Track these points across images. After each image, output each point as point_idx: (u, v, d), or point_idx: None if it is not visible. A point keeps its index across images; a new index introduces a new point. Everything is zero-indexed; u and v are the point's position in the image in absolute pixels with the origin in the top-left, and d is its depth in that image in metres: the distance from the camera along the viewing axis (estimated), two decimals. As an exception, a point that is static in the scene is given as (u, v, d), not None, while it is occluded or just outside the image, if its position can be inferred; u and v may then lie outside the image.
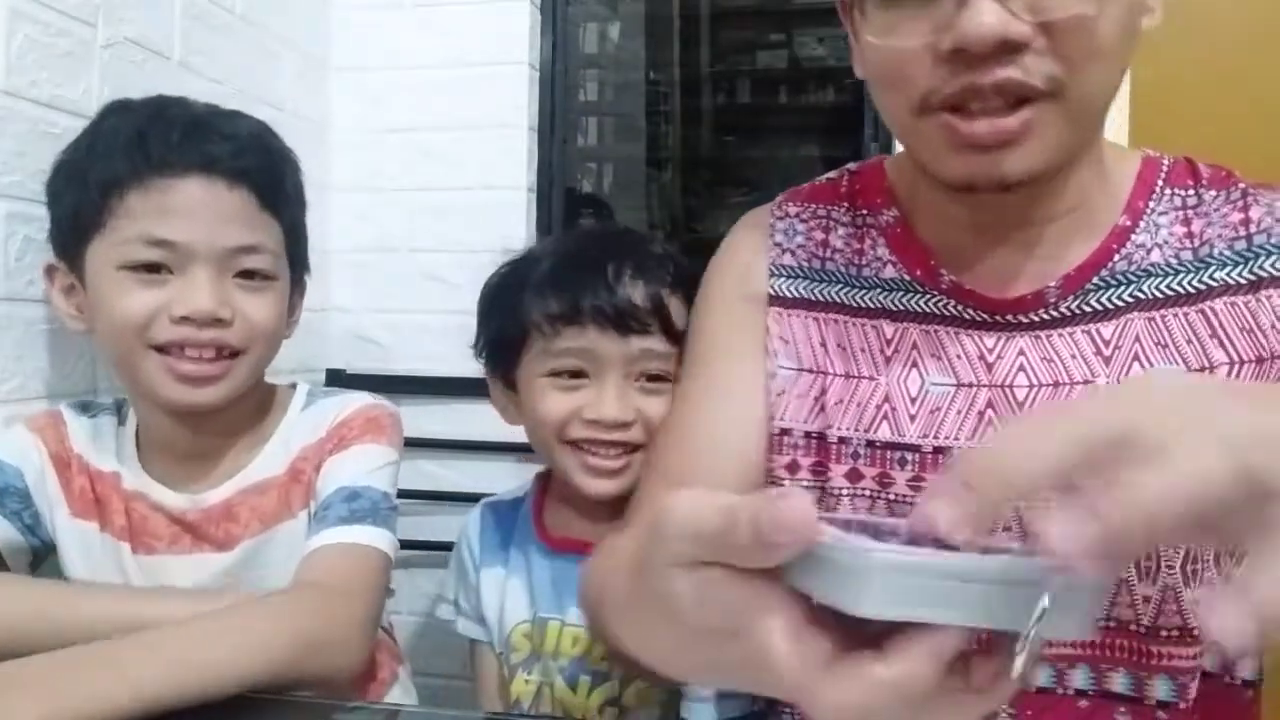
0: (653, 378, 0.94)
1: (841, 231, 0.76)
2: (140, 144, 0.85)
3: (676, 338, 0.92)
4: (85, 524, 0.90)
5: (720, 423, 0.75)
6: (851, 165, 0.81)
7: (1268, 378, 0.63)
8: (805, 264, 0.76)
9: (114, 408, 0.96)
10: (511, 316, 0.98)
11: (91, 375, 1.05)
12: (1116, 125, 1.37)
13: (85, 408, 0.95)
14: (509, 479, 1.21)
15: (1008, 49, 0.57)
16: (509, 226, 1.48)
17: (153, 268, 0.84)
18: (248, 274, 0.88)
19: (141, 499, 0.91)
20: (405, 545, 1.43)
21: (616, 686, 0.98)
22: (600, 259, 0.95)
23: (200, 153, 0.85)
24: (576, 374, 0.95)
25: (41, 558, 0.91)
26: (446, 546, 1.44)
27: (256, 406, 0.97)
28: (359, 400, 0.98)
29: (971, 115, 0.59)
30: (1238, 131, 1.35)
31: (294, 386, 1.02)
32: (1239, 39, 1.40)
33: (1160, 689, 0.64)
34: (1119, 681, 0.64)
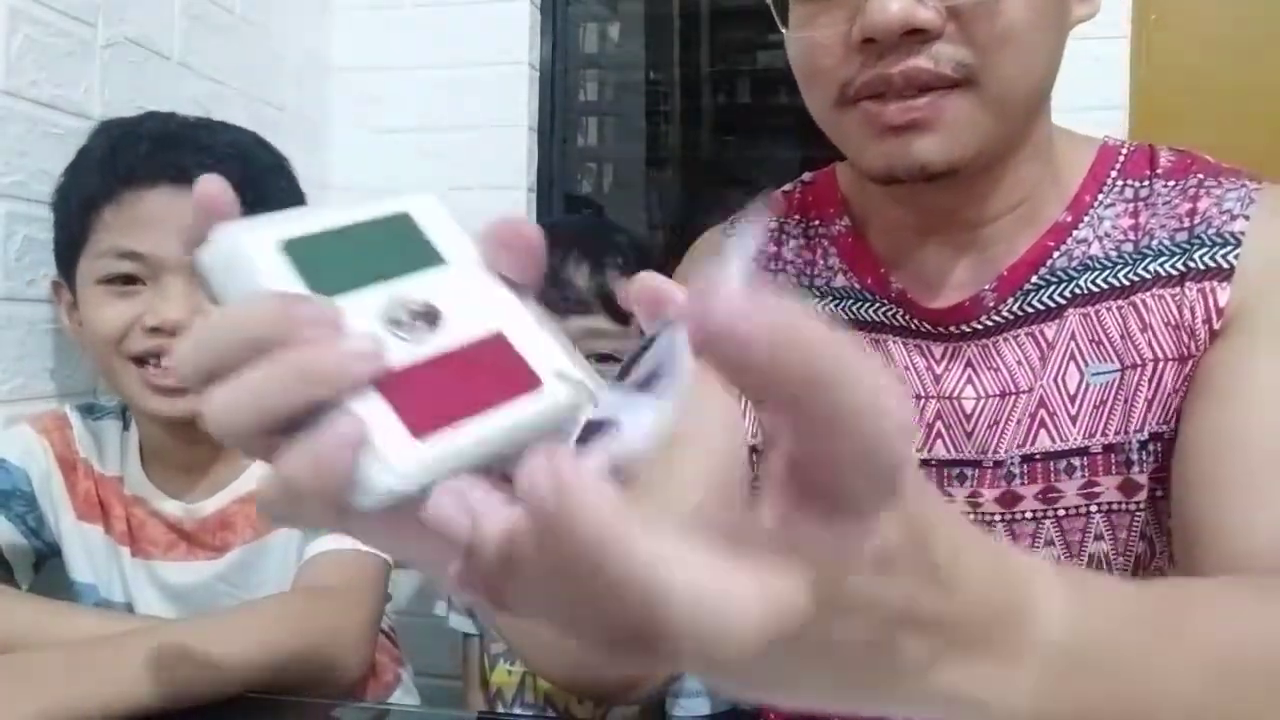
0: (603, 358, 0.95)
1: (793, 244, 0.75)
2: (111, 159, 0.86)
3: (623, 318, 0.94)
4: (89, 527, 0.90)
5: (692, 439, 0.72)
6: (805, 176, 0.79)
7: (1185, 378, 0.60)
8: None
9: (118, 411, 0.96)
10: None
11: (92, 375, 1.05)
12: (1116, 125, 1.37)
13: (90, 410, 0.95)
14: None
15: (916, 37, 0.56)
16: (509, 226, 1.48)
17: (127, 279, 0.84)
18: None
19: (141, 504, 0.91)
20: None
21: None
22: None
23: (170, 164, 0.84)
24: None
25: (44, 560, 0.91)
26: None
27: None
28: None
29: (884, 99, 0.58)
30: (1238, 132, 1.35)
31: None
32: (1239, 39, 1.40)
33: None
34: None
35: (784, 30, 0.64)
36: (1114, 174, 0.67)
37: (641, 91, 2.21)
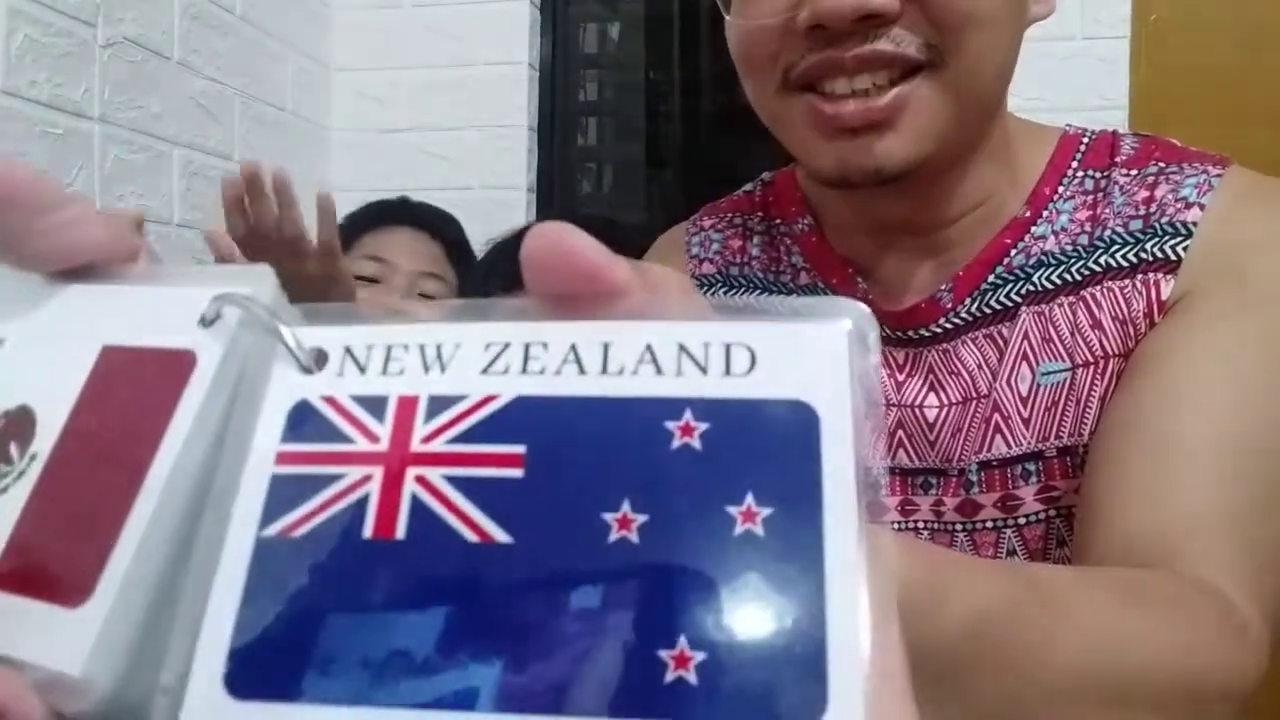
0: None
1: (757, 239, 0.72)
2: (377, 212, 1.25)
3: None
4: None
5: None
6: (765, 175, 0.76)
7: (1119, 373, 0.57)
8: (723, 270, 0.72)
9: None
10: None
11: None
12: (1117, 125, 1.37)
13: None
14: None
15: (870, 23, 0.51)
16: (509, 226, 1.48)
17: (370, 277, 1.16)
18: (427, 295, 1.19)
19: None
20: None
21: None
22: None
23: (411, 213, 1.25)
24: None
25: None
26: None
27: None
28: None
29: (839, 99, 0.53)
30: (1238, 131, 1.35)
31: None
32: (1239, 39, 1.40)
33: None
34: None
35: (726, 16, 0.59)
36: (1074, 165, 0.63)
37: (641, 91, 2.21)
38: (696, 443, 0.17)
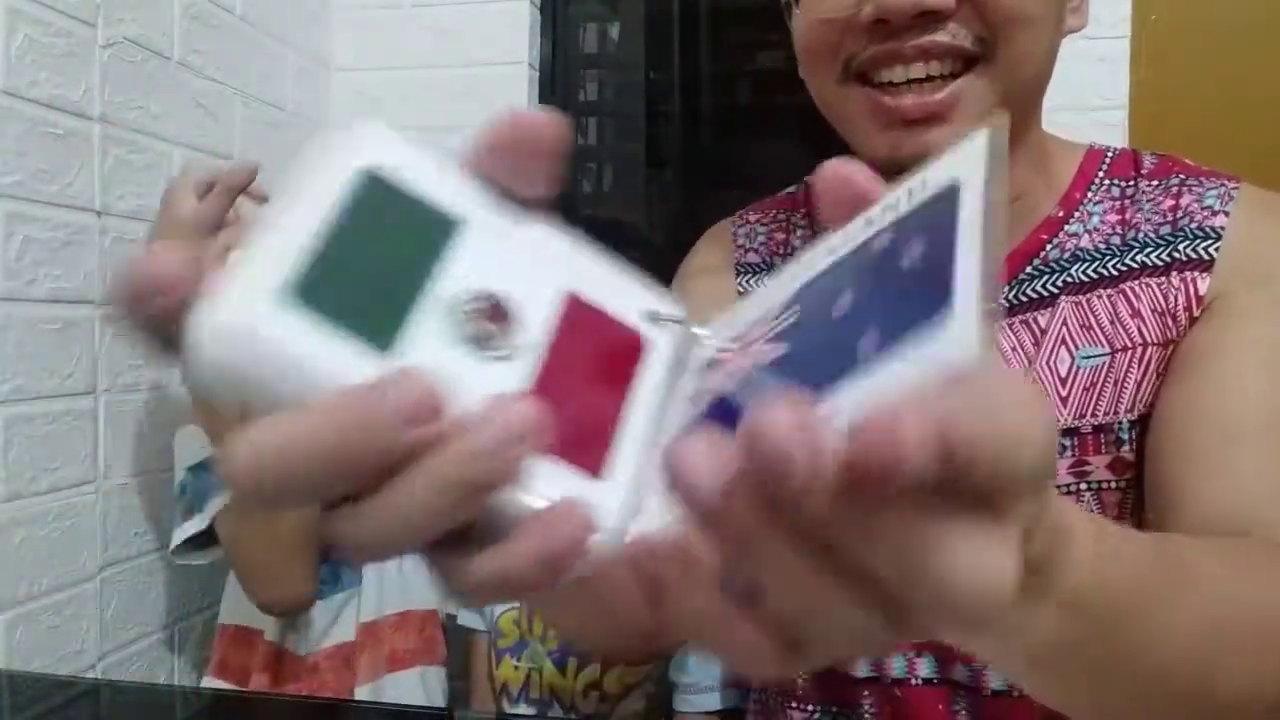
0: None
1: (800, 234, 0.77)
2: None
3: None
4: None
5: None
6: (808, 178, 0.80)
7: (1166, 361, 0.63)
8: (767, 260, 0.77)
9: None
10: None
11: (92, 375, 1.05)
12: (1117, 125, 1.37)
13: None
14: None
15: (928, 18, 0.57)
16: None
17: None
18: None
19: None
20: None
21: (597, 670, 1.00)
22: None
23: None
24: None
25: None
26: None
27: None
28: None
29: (898, 90, 0.59)
30: (1238, 133, 1.35)
31: None
32: (1239, 39, 1.40)
33: (995, 678, 0.65)
34: (960, 671, 0.65)
35: (795, 9, 0.65)
36: (1101, 174, 0.70)
37: (641, 91, 2.21)
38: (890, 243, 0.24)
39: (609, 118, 2.15)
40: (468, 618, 1.10)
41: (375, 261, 0.22)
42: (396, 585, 1.07)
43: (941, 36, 0.57)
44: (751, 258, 0.78)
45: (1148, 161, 0.70)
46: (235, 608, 1.07)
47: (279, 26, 1.41)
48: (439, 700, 1.06)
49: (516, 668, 1.02)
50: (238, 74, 1.30)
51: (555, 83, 1.59)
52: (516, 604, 1.04)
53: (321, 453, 0.20)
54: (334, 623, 1.05)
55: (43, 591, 1.00)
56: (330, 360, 0.20)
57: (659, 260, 1.03)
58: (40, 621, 0.99)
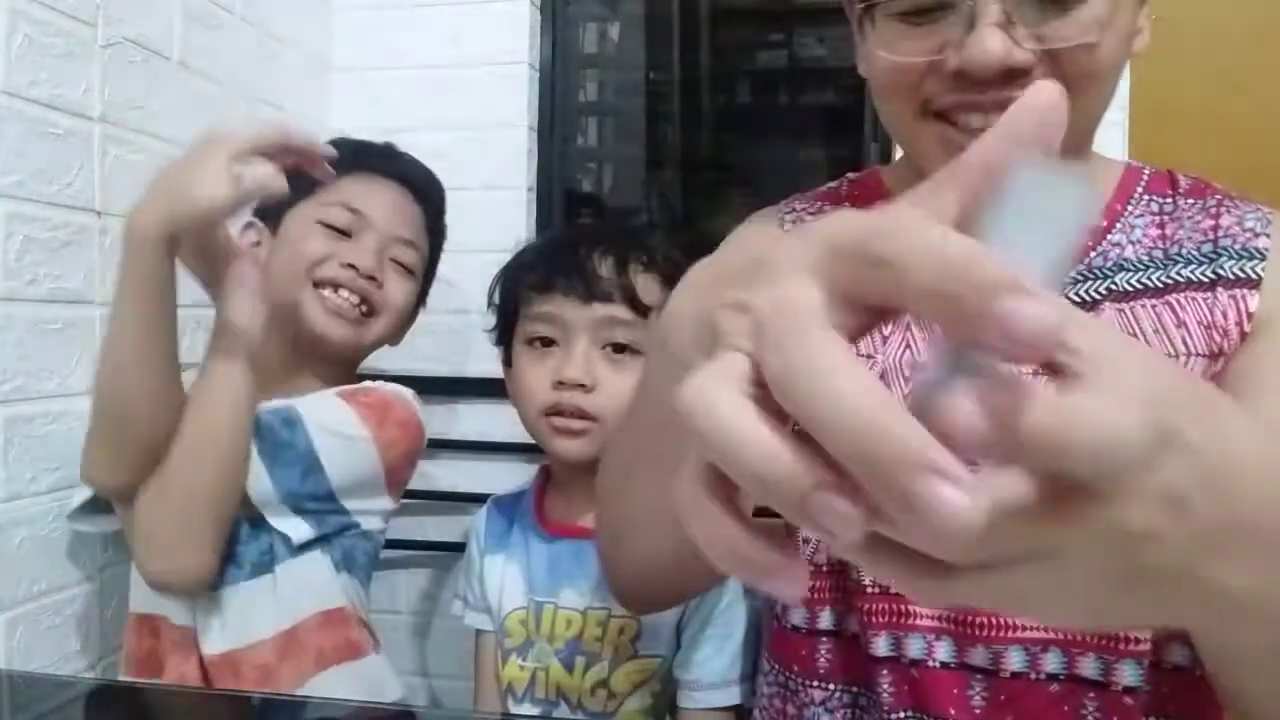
0: (619, 348, 0.99)
1: None
2: (359, 150, 1.10)
3: (643, 310, 0.98)
4: None
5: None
6: (850, 175, 0.83)
7: (1213, 375, 0.65)
8: None
9: None
10: (508, 295, 1.07)
11: (92, 375, 1.05)
12: (1115, 126, 1.37)
13: None
14: (510, 479, 1.21)
15: (1010, 75, 0.59)
16: (509, 226, 1.48)
17: (340, 227, 1.06)
18: (398, 261, 1.10)
19: None
20: (405, 545, 1.43)
21: (606, 669, 1.00)
22: (575, 239, 1.04)
23: (398, 168, 1.14)
24: (548, 341, 1.02)
25: None
26: (446, 546, 1.44)
27: (344, 374, 1.09)
28: (394, 387, 1.08)
29: (974, 132, 0.61)
30: (1238, 136, 1.35)
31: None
32: (1239, 43, 1.40)
33: (1127, 674, 0.64)
34: (1089, 666, 0.65)
35: (859, 37, 0.68)
36: (1140, 189, 0.73)
37: (641, 91, 2.21)
38: None
39: (609, 118, 2.15)
40: (474, 618, 1.10)
41: None
42: (310, 583, 0.99)
43: (1019, 94, 0.58)
44: None
45: (1184, 182, 0.73)
46: (142, 593, 0.98)
47: (279, 26, 1.41)
48: (384, 694, 1.03)
49: (523, 668, 1.02)
50: (238, 74, 1.30)
51: (555, 83, 1.59)
52: (524, 605, 1.03)
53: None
54: (250, 611, 0.96)
55: (43, 591, 1.00)
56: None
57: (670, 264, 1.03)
58: (40, 621, 0.99)
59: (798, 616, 0.76)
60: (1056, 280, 0.24)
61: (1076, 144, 0.64)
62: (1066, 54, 0.59)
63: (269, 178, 0.83)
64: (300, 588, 0.98)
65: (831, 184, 0.83)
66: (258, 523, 0.96)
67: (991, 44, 0.58)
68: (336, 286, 1.05)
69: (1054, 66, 0.59)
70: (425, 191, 1.15)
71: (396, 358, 1.55)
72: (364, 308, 1.06)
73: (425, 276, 1.16)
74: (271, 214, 1.07)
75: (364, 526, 1.04)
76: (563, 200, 1.63)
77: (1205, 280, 0.67)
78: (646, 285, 0.99)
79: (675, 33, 2.30)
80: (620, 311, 0.98)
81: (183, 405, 0.89)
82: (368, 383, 1.07)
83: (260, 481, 0.93)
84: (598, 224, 1.31)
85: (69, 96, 1.01)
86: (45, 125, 0.98)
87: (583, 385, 0.98)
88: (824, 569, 0.77)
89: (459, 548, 1.24)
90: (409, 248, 1.11)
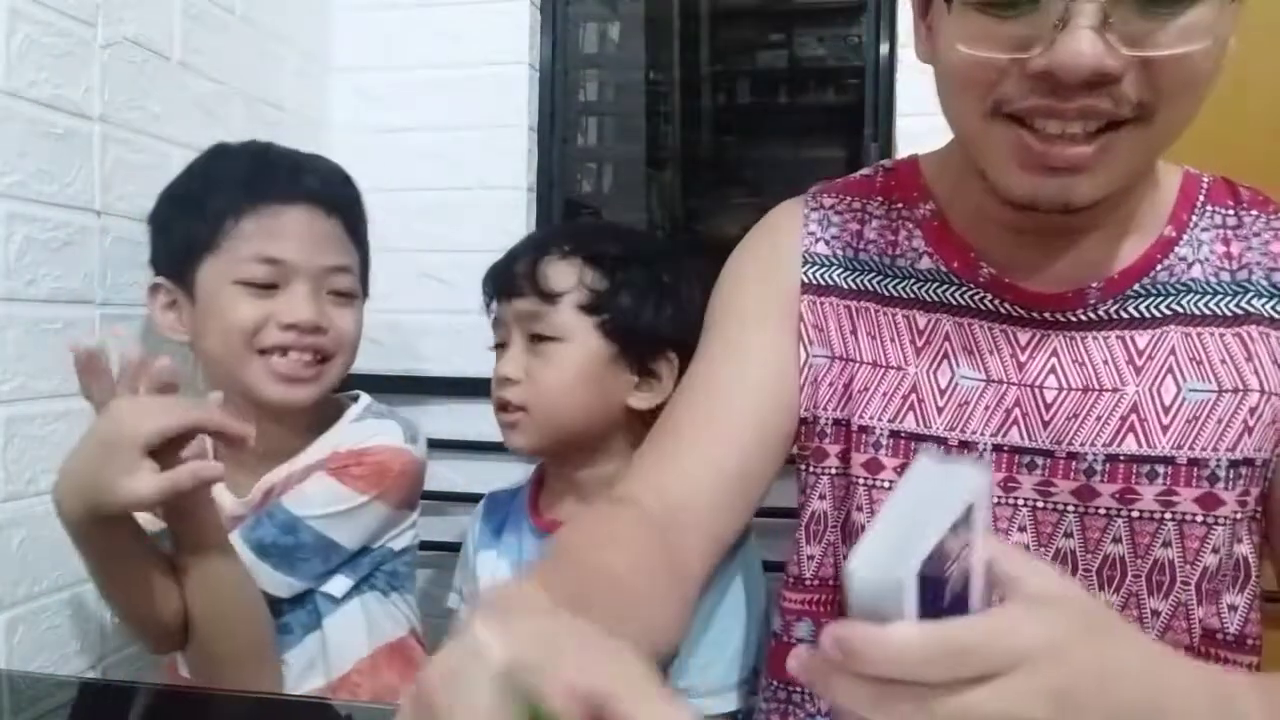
0: (535, 338, 1.00)
1: (875, 224, 0.76)
2: (253, 178, 0.99)
3: (551, 298, 0.99)
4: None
5: (734, 383, 0.75)
6: (885, 162, 0.81)
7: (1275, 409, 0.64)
8: (839, 253, 0.76)
9: None
10: (485, 302, 1.09)
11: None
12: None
13: None
14: (509, 479, 1.21)
15: (1097, 81, 0.55)
16: (508, 226, 1.48)
17: (264, 283, 0.96)
18: (337, 291, 1.01)
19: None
20: (405, 545, 1.43)
21: None
22: (525, 242, 1.08)
23: (304, 186, 0.99)
24: (500, 343, 1.05)
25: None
26: (446, 546, 1.44)
27: (319, 415, 1.04)
28: (387, 438, 1.02)
29: (1049, 138, 0.57)
30: (1237, 133, 1.35)
31: (356, 397, 1.09)
32: (1239, 39, 1.39)
33: None
34: None
35: (923, 24, 0.65)
36: (1201, 197, 0.71)
37: (641, 91, 2.21)
38: None
39: (609, 118, 2.15)
40: (465, 613, 1.10)
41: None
42: (358, 628, 1.02)
43: (1105, 103, 0.56)
44: (821, 249, 0.77)
45: (1243, 192, 0.71)
46: None
47: (279, 26, 1.41)
48: None
49: None
50: (238, 74, 1.30)
51: (555, 83, 1.59)
52: None
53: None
54: (309, 672, 1.00)
55: (43, 591, 1.00)
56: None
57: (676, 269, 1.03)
58: (40, 621, 0.99)
59: (801, 631, 0.76)
60: (942, 551, 0.32)
61: (1159, 153, 0.62)
62: (1161, 63, 0.55)
63: (204, 470, 0.78)
64: (353, 630, 1.01)
65: (864, 171, 0.80)
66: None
67: (1085, 46, 0.53)
68: (284, 350, 0.97)
69: (1145, 75, 0.56)
70: (336, 199, 1.02)
71: (398, 358, 1.55)
72: (318, 357, 0.99)
73: (362, 277, 1.08)
74: (174, 268, 0.99)
75: (397, 547, 1.06)
76: (562, 200, 1.63)
77: (1277, 316, 0.66)
78: (557, 273, 0.99)
79: (675, 33, 2.30)
80: (530, 304, 1.00)
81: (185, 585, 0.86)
82: (360, 442, 1.00)
83: (289, 585, 0.96)
84: (565, 224, 1.31)
85: (69, 96, 1.01)
86: (45, 125, 0.98)
87: (510, 379, 1.00)
88: (830, 583, 0.76)
89: (458, 548, 1.24)
90: (343, 273, 1.01)
